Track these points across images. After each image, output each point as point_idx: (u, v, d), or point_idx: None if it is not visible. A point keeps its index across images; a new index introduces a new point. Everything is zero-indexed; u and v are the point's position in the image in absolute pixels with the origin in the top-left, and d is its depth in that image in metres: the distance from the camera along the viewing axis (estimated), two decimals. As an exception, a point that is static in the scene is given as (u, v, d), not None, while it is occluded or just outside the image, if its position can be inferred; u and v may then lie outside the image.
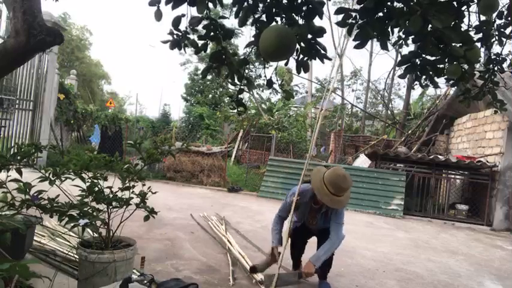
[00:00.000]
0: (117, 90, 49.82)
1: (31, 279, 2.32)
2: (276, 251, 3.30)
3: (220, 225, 5.21)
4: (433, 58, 1.65)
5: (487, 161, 8.04)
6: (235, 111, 2.47)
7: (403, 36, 2.00)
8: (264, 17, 1.85)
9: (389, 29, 1.60)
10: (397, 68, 19.30)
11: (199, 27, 1.96)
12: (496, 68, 2.64)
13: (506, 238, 6.97)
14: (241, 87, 2.19)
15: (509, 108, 6.48)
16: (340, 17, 1.64)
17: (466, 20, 1.78)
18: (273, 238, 3.40)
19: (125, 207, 2.65)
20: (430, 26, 1.45)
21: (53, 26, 5.67)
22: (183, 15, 1.88)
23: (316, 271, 3.10)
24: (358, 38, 1.57)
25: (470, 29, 2.05)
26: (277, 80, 2.27)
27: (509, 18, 2.33)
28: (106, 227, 2.58)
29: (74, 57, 26.52)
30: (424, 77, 1.75)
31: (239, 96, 2.31)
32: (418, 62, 1.66)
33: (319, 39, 1.75)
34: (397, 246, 5.38)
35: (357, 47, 1.62)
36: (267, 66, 2.38)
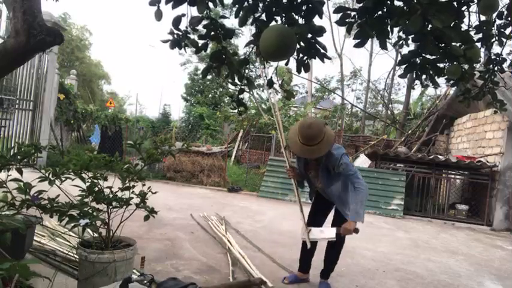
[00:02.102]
0: (117, 90, 49.83)
1: (31, 279, 2.32)
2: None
3: (220, 225, 5.21)
4: (433, 57, 1.64)
5: (487, 161, 8.04)
6: (236, 111, 2.47)
7: (403, 36, 2.00)
8: (264, 17, 1.85)
9: (388, 28, 1.60)
10: (397, 68, 19.32)
11: (200, 27, 1.96)
12: (496, 68, 2.65)
13: (506, 238, 6.96)
14: (242, 87, 2.19)
15: (509, 108, 6.48)
16: (339, 15, 1.64)
17: (466, 20, 1.78)
18: None
19: (124, 207, 2.65)
20: (430, 25, 1.45)
21: (53, 26, 5.67)
22: (183, 15, 1.89)
23: (355, 230, 2.89)
24: (357, 37, 1.57)
25: (470, 29, 2.05)
26: (277, 80, 2.28)
27: (509, 19, 2.33)
28: (106, 227, 2.58)
29: (74, 57, 26.51)
30: (424, 76, 1.75)
31: (239, 96, 2.31)
32: (418, 62, 1.66)
33: (319, 39, 1.75)
34: (397, 246, 5.37)
35: (356, 46, 1.62)
36: (267, 66, 2.38)
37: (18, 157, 2.43)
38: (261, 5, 1.83)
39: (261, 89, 20.70)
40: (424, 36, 1.51)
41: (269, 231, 5.45)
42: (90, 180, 2.56)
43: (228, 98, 19.65)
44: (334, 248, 3.31)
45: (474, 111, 9.21)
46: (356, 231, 2.91)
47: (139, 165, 2.76)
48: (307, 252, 3.41)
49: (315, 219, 3.32)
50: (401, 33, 1.98)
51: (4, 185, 2.36)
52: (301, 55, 1.84)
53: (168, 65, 73.88)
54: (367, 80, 23.20)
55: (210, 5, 1.87)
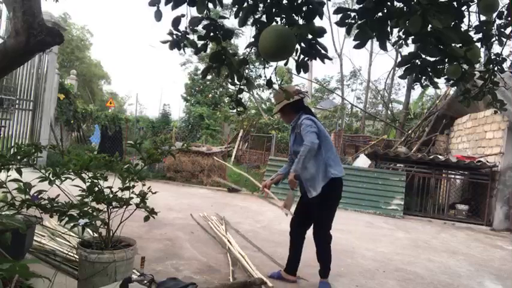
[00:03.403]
0: (117, 90, 49.93)
1: (31, 279, 2.32)
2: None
3: (220, 225, 5.21)
4: (433, 59, 1.64)
5: (487, 161, 8.04)
6: (235, 111, 2.48)
7: (403, 36, 2.00)
8: (264, 17, 1.85)
9: (388, 29, 1.60)
10: (397, 68, 19.31)
11: (199, 27, 1.96)
12: (496, 68, 2.64)
13: (506, 238, 6.97)
14: (241, 87, 2.19)
15: (509, 108, 6.48)
16: (339, 16, 1.65)
17: (466, 20, 1.78)
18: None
19: (124, 207, 2.65)
20: (430, 26, 1.45)
21: (53, 26, 5.67)
22: (183, 16, 1.89)
23: (295, 177, 3.12)
24: (357, 38, 1.57)
25: (470, 29, 2.05)
26: (277, 80, 2.27)
27: (509, 18, 2.33)
28: (106, 227, 2.58)
29: (74, 57, 26.49)
30: (424, 77, 1.75)
31: (238, 96, 2.31)
32: (418, 63, 1.66)
33: (319, 40, 1.74)
34: (397, 246, 5.38)
35: (356, 47, 1.62)
36: (267, 66, 2.38)
37: (18, 157, 2.43)
38: (261, 5, 1.83)
39: (261, 89, 20.71)
40: (424, 37, 1.51)
41: (269, 231, 5.45)
42: (90, 180, 2.56)
43: (228, 98, 19.65)
44: (320, 245, 3.32)
45: (474, 111, 9.21)
46: (295, 178, 3.13)
47: (140, 165, 2.76)
48: (293, 251, 3.46)
49: (298, 219, 3.47)
50: (401, 33, 1.98)
51: (4, 185, 2.36)
52: (301, 56, 1.83)
53: (168, 65, 73.99)
54: (367, 80, 23.21)
55: (210, 5, 1.87)
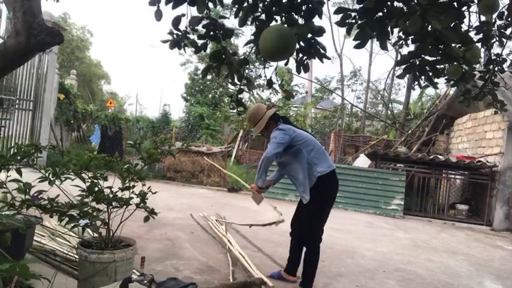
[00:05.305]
0: (117, 90, 49.94)
1: (31, 279, 2.32)
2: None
3: (220, 225, 5.21)
4: (432, 59, 1.64)
5: (487, 161, 8.04)
6: (235, 111, 2.48)
7: (403, 36, 2.00)
8: (263, 17, 1.85)
9: (389, 29, 1.60)
10: (397, 68, 19.30)
11: (199, 27, 1.96)
12: (496, 69, 2.64)
13: (506, 238, 6.97)
14: (241, 87, 2.19)
15: (509, 109, 6.48)
16: (340, 16, 1.64)
17: (466, 20, 1.78)
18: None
19: (124, 207, 2.65)
20: (429, 26, 1.45)
21: (53, 26, 5.67)
22: (183, 15, 1.89)
23: (256, 190, 3.35)
24: (357, 37, 1.57)
25: (471, 29, 2.05)
26: (277, 80, 2.28)
27: (509, 19, 2.33)
28: (106, 227, 2.58)
29: (74, 57, 26.47)
30: (423, 77, 1.74)
31: (239, 96, 2.31)
32: (417, 63, 1.66)
33: (318, 39, 1.75)
34: (397, 246, 5.38)
35: (356, 46, 1.62)
36: (267, 66, 2.38)
37: (18, 157, 2.43)
38: (260, 5, 1.83)
39: (261, 89, 20.70)
40: (423, 37, 1.51)
41: (269, 231, 5.44)
42: (90, 180, 2.56)
43: (228, 98, 19.64)
44: (307, 245, 3.28)
45: (474, 111, 9.21)
46: (258, 191, 3.38)
47: (139, 165, 2.76)
48: (293, 251, 3.44)
49: (295, 220, 3.45)
50: (401, 34, 1.98)
51: (4, 185, 2.36)
52: (300, 55, 1.84)
53: (168, 65, 73.98)
54: (367, 80, 23.21)
55: (210, 5, 1.87)
